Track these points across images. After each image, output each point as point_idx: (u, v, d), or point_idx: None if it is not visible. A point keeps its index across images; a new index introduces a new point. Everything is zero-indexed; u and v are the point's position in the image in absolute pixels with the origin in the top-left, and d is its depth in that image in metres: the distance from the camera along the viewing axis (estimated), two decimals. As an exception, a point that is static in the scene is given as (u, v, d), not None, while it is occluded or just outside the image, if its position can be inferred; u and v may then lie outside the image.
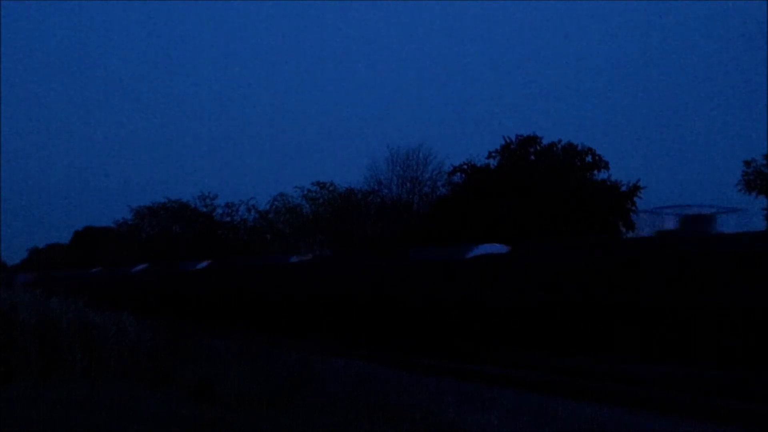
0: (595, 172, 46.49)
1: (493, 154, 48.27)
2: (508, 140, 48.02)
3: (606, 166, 46.44)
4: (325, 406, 14.01)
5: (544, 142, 47.76)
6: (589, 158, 46.62)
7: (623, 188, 45.05)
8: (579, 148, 46.97)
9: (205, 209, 71.61)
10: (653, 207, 50.35)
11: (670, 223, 46.42)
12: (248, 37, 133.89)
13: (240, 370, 17.16)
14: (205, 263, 52.15)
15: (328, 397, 14.92)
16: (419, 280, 33.02)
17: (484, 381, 21.11)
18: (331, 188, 64.13)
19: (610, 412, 15.85)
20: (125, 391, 15.81)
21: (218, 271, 48.83)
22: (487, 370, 23.04)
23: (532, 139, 47.78)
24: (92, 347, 18.62)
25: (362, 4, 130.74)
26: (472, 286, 30.15)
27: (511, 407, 15.93)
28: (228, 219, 71.31)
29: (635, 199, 44.94)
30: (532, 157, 47.45)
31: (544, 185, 43.73)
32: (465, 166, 48.86)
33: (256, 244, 66.34)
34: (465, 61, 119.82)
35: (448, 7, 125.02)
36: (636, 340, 23.68)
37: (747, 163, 51.48)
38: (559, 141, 47.69)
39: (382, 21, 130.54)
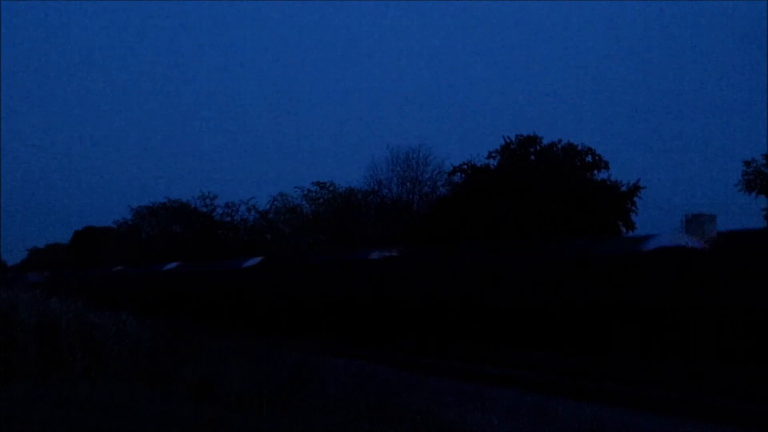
0: (595, 172, 46.54)
1: (493, 154, 48.31)
2: (508, 140, 48.06)
3: (606, 166, 46.49)
4: (326, 405, 14.00)
5: (544, 142, 47.82)
6: (589, 158, 46.66)
7: (623, 188, 45.09)
8: (579, 148, 47.00)
9: (205, 209, 71.65)
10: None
11: None
12: (248, 37, 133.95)
13: (240, 370, 17.16)
14: (255, 260, 46.71)
15: (329, 396, 14.92)
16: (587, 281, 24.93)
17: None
18: (331, 188, 64.17)
19: (609, 412, 15.86)
20: (125, 391, 15.81)
21: (287, 269, 41.55)
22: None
23: (532, 139, 47.80)
24: (92, 347, 18.62)
25: (362, 4, 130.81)
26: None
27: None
28: (228, 219, 71.36)
29: (635, 199, 45.00)
30: (532, 157, 47.48)
31: (544, 185, 43.75)
32: (465, 166, 48.88)
33: (256, 245, 66.39)
34: (465, 61, 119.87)
35: (449, 7, 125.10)
36: None
37: (747, 163, 51.58)
38: (559, 141, 47.75)
39: (382, 21, 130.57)
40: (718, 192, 75.81)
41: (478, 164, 48.50)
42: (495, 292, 27.39)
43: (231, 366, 18.01)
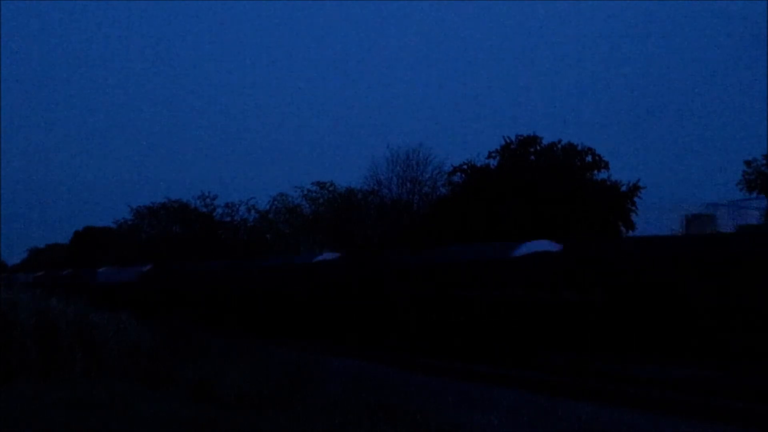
0: (595, 172, 46.45)
1: (493, 154, 48.22)
2: (508, 140, 47.97)
3: (606, 166, 46.39)
4: (326, 406, 14.00)
5: (544, 142, 47.72)
6: (589, 158, 46.57)
7: (623, 188, 45.02)
8: (579, 148, 46.90)
9: (205, 209, 71.57)
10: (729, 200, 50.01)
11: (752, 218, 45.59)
12: (248, 37, 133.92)
13: (240, 370, 17.15)
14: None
15: (329, 397, 14.92)
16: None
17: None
18: (331, 188, 64.15)
19: (610, 412, 15.85)
20: (125, 391, 15.81)
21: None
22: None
23: (532, 139, 47.73)
24: (92, 347, 18.63)
25: (362, 4, 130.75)
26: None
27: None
28: (228, 219, 71.29)
29: (635, 199, 44.95)
30: (532, 157, 47.40)
31: (544, 185, 43.69)
32: (465, 166, 48.79)
33: (256, 244, 66.36)
34: (465, 61, 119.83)
35: (448, 7, 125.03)
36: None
37: (747, 163, 51.67)
38: (559, 141, 47.65)
39: (382, 21, 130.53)
40: (718, 192, 75.67)
41: (478, 164, 48.41)
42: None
43: (231, 366, 18.01)
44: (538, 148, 47.58)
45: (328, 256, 39.87)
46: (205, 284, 46.02)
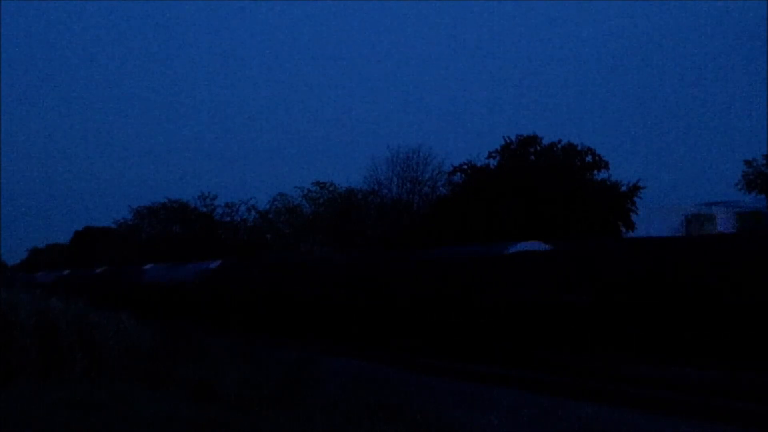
0: (595, 172, 46.45)
1: (493, 154, 48.22)
2: (508, 140, 47.99)
3: (606, 166, 46.39)
4: (326, 406, 14.00)
5: (544, 142, 47.73)
6: (589, 158, 46.57)
7: (623, 188, 45.02)
8: (579, 148, 46.91)
9: (205, 209, 71.58)
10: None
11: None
12: (248, 37, 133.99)
13: (240, 370, 17.15)
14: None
15: (329, 397, 14.92)
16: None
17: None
18: (331, 188, 64.18)
19: (609, 412, 15.85)
20: (125, 391, 15.81)
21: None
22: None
23: (532, 139, 47.73)
24: (92, 347, 18.62)
25: (362, 4, 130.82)
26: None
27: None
28: (228, 219, 71.30)
29: (635, 198, 44.94)
30: (532, 158, 47.40)
31: (544, 185, 43.69)
32: (465, 166, 48.79)
33: (256, 244, 66.35)
34: (464, 61, 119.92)
35: (448, 7, 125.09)
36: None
37: (747, 163, 51.72)
38: (559, 141, 47.67)
39: (382, 21, 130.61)
40: (718, 192, 75.72)
41: (478, 164, 48.41)
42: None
43: (231, 366, 18.01)
44: (538, 148, 47.58)
45: (523, 246, 30.19)
46: (324, 285, 34.60)
